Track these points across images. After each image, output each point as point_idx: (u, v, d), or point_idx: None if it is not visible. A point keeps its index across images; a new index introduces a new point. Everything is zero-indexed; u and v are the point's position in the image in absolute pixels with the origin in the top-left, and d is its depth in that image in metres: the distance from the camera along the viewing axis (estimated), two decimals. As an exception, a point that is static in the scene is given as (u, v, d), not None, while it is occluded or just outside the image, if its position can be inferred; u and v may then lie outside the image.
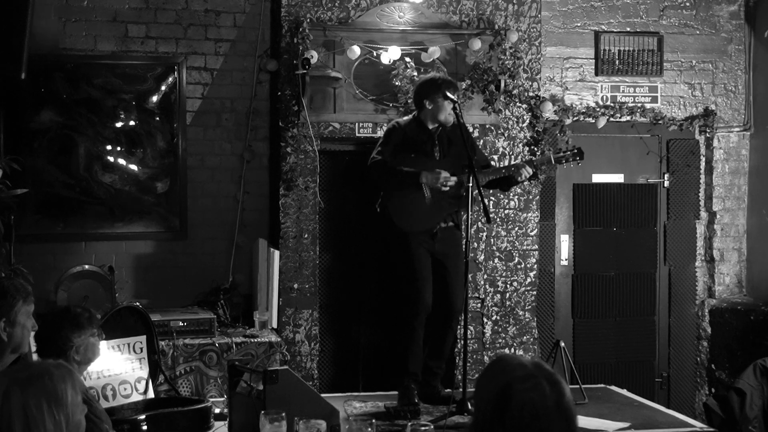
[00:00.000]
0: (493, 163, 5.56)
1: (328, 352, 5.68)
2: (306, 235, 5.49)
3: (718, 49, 6.49)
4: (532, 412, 1.91)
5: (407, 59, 5.46)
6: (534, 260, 5.82)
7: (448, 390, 4.87)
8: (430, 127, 4.71)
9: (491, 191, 5.61)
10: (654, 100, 6.36)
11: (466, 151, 4.52)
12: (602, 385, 5.31)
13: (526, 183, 5.72)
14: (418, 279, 4.62)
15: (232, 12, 5.77)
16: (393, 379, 4.74)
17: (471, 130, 5.20)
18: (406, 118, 4.90)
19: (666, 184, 6.39)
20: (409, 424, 3.18)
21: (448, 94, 4.57)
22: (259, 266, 5.40)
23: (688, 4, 6.41)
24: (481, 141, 5.58)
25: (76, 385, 2.34)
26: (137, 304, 4.46)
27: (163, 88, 5.70)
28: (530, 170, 4.73)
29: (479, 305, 5.70)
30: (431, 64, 5.49)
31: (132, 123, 5.66)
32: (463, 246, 4.71)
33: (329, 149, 5.59)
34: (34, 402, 2.23)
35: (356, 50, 5.41)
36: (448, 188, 4.58)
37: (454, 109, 4.61)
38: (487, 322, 5.72)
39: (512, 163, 4.91)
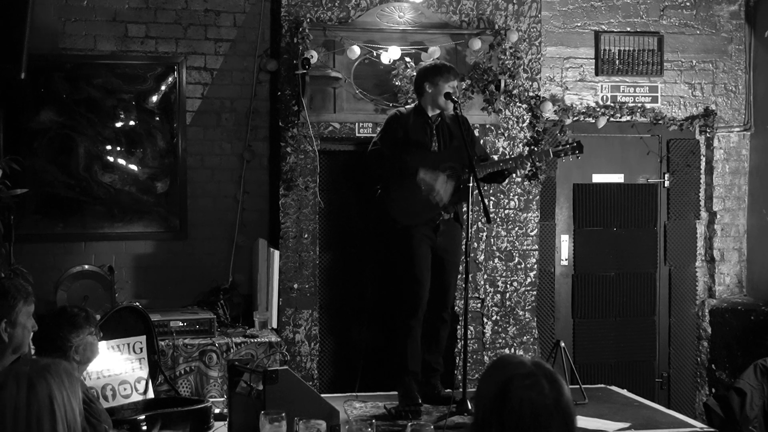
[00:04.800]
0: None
1: (328, 352, 5.68)
2: (306, 235, 5.49)
3: (719, 49, 6.49)
4: (530, 409, 1.91)
5: (407, 59, 5.46)
6: (534, 260, 5.82)
7: (448, 390, 4.87)
8: (431, 114, 4.73)
9: (491, 189, 5.62)
10: (654, 100, 6.36)
11: (466, 149, 4.53)
12: (602, 385, 5.31)
13: (526, 183, 5.74)
14: (418, 280, 4.63)
15: (232, 12, 5.77)
16: (393, 379, 4.74)
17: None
18: (408, 106, 4.93)
19: (666, 184, 6.39)
20: (410, 424, 3.18)
21: (450, 77, 4.65)
22: (259, 266, 5.40)
23: (688, 4, 6.41)
24: (481, 141, 5.57)
25: (79, 383, 2.37)
26: (137, 304, 4.46)
27: (163, 88, 5.70)
28: (528, 163, 4.75)
29: (479, 305, 5.70)
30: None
31: (132, 123, 5.66)
32: (462, 241, 4.72)
33: (329, 149, 5.59)
34: (57, 388, 2.24)
35: (356, 50, 5.41)
36: (435, 201, 4.60)
37: (454, 107, 4.62)
38: (487, 322, 5.72)
39: (509, 156, 4.92)
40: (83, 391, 2.43)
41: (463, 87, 5.52)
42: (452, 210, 4.75)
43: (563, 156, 4.88)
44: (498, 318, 5.74)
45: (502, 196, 5.72)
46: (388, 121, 4.78)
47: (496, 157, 5.45)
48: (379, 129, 4.96)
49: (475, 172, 4.47)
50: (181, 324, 5.02)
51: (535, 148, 5.55)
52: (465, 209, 4.73)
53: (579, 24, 6.28)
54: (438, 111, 4.74)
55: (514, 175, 5.25)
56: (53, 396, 2.22)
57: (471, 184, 4.47)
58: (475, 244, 5.64)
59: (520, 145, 5.75)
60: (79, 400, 2.29)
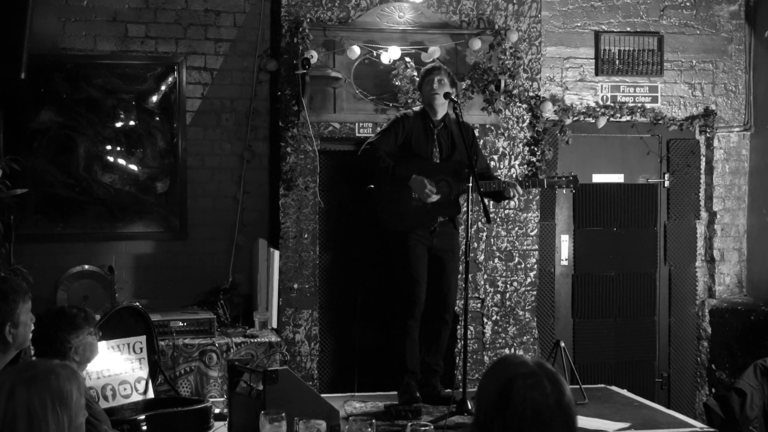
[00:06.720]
0: (492, 164, 5.59)
1: (328, 352, 5.68)
2: (306, 235, 5.49)
3: (719, 49, 6.49)
4: (532, 409, 1.92)
5: (407, 59, 5.46)
6: (534, 260, 5.82)
7: (448, 390, 4.87)
8: (433, 118, 4.75)
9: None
10: (654, 100, 6.36)
11: (466, 150, 4.54)
12: (602, 385, 5.31)
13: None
14: (415, 279, 4.65)
15: (232, 12, 5.77)
16: (393, 379, 4.75)
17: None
18: (416, 108, 4.94)
19: (666, 184, 6.39)
20: (409, 424, 3.18)
21: (433, 74, 4.73)
22: (259, 266, 5.40)
23: (688, 4, 6.41)
24: (481, 141, 5.58)
25: (81, 388, 2.34)
26: (137, 304, 4.46)
27: (163, 88, 5.70)
28: (520, 190, 4.80)
29: (479, 305, 5.70)
30: (431, 63, 5.48)
31: (132, 123, 5.66)
32: (459, 241, 4.73)
33: (329, 149, 5.58)
34: (38, 401, 2.22)
35: (356, 50, 5.41)
36: (431, 200, 4.62)
37: (454, 107, 4.64)
38: (487, 322, 5.72)
39: (504, 180, 4.94)
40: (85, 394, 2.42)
41: (463, 87, 5.52)
42: (446, 216, 4.77)
43: (557, 187, 4.97)
44: (498, 318, 5.74)
45: (502, 196, 5.72)
46: (393, 122, 4.80)
47: (496, 164, 5.49)
48: (379, 129, 4.97)
49: (475, 172, 4.48)
50: (181, 324, 5.02)
51: (530, 175, 5.60)
52: (463, 212, 4.75)
53: (579, 24, 6.28)
54: (440, 115, 4.76)
55: (510, 201, 5.27)
56: (31, 406, 2.21)
57: (470, 185, 4.48)
58: (475, 244, 5.64)
59: (520, 145, 5.75)
60: (70, 410, 2.27)
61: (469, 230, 4.50)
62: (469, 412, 4.34)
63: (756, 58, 6.50)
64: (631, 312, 6.32)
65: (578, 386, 4.76)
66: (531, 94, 5.78)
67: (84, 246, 5.60)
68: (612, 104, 6.26)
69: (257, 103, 5.80)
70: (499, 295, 5.74)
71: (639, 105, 6.29)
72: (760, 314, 6.09)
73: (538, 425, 1.92)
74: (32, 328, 3.26)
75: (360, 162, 4.78)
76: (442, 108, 4.76)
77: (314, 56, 5.28)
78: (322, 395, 4.20)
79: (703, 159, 6.50)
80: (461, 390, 4.49)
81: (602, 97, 6.30)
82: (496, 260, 5.74)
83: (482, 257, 5.70)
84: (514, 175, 5.67)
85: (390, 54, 5.43)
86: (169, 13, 5.70)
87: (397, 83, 5.46)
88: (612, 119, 6.23)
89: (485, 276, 5.71)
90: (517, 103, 5.74)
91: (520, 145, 5.76)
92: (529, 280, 5.80)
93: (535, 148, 5.78)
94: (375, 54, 5.47)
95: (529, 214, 5.81)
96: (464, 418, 4.31)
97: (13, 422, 2.20)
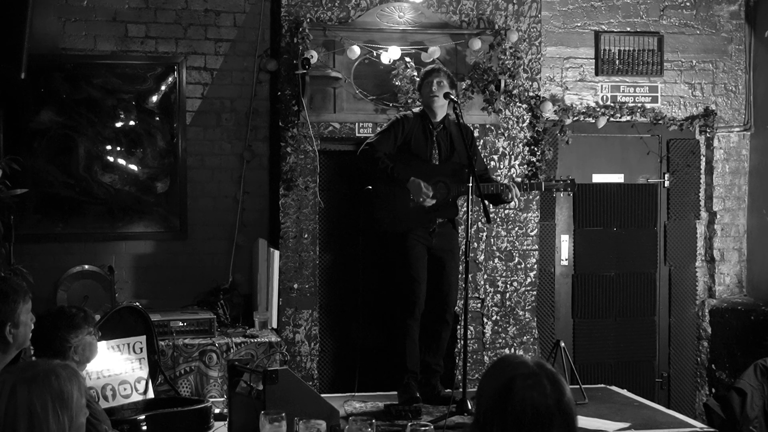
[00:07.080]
0: (492, 164, 5.59)
1: (328, 352, 5.68)
2: (306, 235, 5.49)
3: (719, 49, 6.49)
4: (532, 409, 1.92)
5: (407, 59, 5.46)
6: (534, 260, 5.82)
7: (448, 390, 4.87)
8: (433, 119, 4.75)
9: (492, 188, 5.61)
10: (654, 100, 6.36)
11: (466, 150, 4.54)
12: (602, 385, 5.31)
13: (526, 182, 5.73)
14: (415, 279, 4.66)
15: (232, 12, 5.77)
16: (392, 379, 4.75)
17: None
18: (415, 109, 4.94)
19: (666, 184, 6.39)
20: (409, 424, 3.18)
21: (432, 75, 4.74)
22: (259, 266, 5.40)
23: (688, 4, 6.41)
24: (481, 141, 5.58)
25: (82, 388, 2.34)
26: (137, 304, 4.46)
27: (163, 88, 5.70)
28: (518, 192, 4.80)
29: (479, 305, 5.70)
30: (431, 64, 5.47)
31: (132, 123, 5.66)
32: (459, 241, 4.73)
33: (329, 149, 5.58)
34: (39, 401, 2.23)
35: (356, 50, 5.41)
36: (427, 204, 4.63)
37: (454, 108, 4.64)
38: (487, 322, 5.72)
39: (502, 182, 4.95)
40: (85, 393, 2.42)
41: (463, 87, 5.53)
42: (444, 218, 4.77)
43: (555, 191, 4.97)
44: (498, 318, 5.74)
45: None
46: (393, 123, 4.80)
47: (496, 163, 5.49)
48: (379, 129, 4.97)
49: (475, 172, 4.49)
50: (181, 324, 5.02)
51: (527, 179, 5.60)
52: (463, 212, 4.75)
53: (579, 24, 6.28)
54: (440, 117, 4.77)
55: (509, 203, 5.27)
56: (32, 406, 2.21)
57: (471, 185, 4.48)
58: (475, 244, 5.64)
59: (520, 145, 5.75)
60: (70, 411, 2.27)
61: (469, 230, 4.50)
62: (469, 412, 4.34)
63: (756, 58, 6.50)
64: (631, 312, 6.32)
65: (578, 386, 4.76)
66: (531, 94, 5.78)
67: (84, 246, 5.60)
68: (612, 104, 6.26)
69: (257, 103, 5.80)
70: (499, 295, 5.74)
71: (639, 105, 6.29)
72: (760, 314, 6.09)
73: (537, 425, 1.92)
74: (32, 326, 3.27)
75: (359, 162, 4.79)
76: (441, 110, 4.77)
77: (314, 56, 5.28)
78: (322, 395, 4.20)
79: (703, 159, 6.50)
80: (461, 390, 4.50)
81: (602, 97, 6.30)
82: (496, 260, 5.74)
83: (482, 257, 5.70)
84: (513, 175, 5.67)
85: (390, 54, 5.43)
86: (169, 13, 5.70)
87: (397, 83, 5.46)
88: (612, 119, 6.23)
89: (485, 276, 5.71)
90: (517, 103, 5.74)
91: (520, 145, 5.76)
92: (529, 280, 5.80)
93: (535, 148, 5.78)
94: (375, 54, 5.47)
95: (529, 214, 5.81)
96: (464, 418, 4.31)
97: (14, 422, 2.20)
